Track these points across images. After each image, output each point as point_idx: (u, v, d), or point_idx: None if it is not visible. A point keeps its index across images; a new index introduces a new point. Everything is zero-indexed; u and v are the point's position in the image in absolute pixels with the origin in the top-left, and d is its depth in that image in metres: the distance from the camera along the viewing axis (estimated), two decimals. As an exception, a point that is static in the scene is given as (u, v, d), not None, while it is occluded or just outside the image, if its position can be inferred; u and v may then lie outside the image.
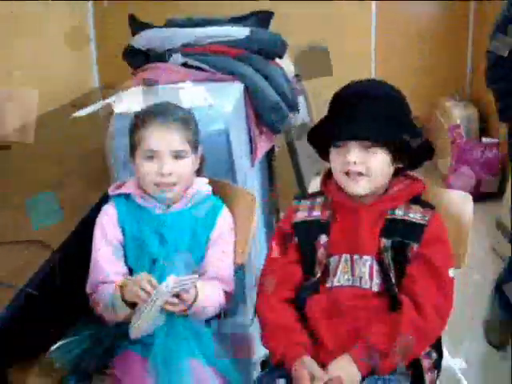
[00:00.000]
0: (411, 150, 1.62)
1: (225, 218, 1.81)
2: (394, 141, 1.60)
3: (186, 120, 1.75)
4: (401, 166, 1.66)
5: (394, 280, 1.58)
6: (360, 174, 1.60)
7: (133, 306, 1.60)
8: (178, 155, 1.72)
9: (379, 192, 1.66)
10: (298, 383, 1.51)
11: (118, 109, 2.10)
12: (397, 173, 1.68)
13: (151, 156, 1.71)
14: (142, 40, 2.72)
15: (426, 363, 1.59)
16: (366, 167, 1.60)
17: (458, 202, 1.75)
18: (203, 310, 1.67)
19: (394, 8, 5.16)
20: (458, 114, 4.83)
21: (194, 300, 1.62)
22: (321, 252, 1.65)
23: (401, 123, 1.61)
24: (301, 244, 1.69)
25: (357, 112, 1.60)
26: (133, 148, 1.75)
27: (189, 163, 1.75)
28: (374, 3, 4.93)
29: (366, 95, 1.61)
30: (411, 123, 1.65)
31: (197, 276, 1.59)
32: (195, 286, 1.60)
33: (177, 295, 1.57)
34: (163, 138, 1.71)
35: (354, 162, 1.59)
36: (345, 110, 1.62)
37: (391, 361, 1.50)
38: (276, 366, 1.59)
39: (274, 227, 2.98)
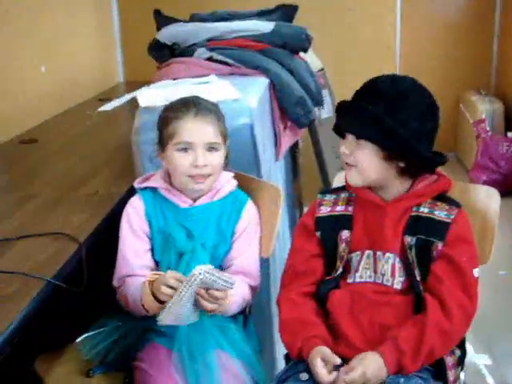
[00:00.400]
0: (409, 154, 1.58)
1: (250, 211, 1.80)
2: (380, 140, 1.56)
3: (217, 112, 1.75)
4: (402, 165, 1.59)
5: (418, 278, 1.57)
6: (350, 164, 1.63)
7: (162, 301, 1.60)
8: (211, 147, 1.72)
9: (396, 188, 1.63)
10: (313, 372, 1.52)
11: (143, 103, 2.10)
12: (407, 171, 1.62)
13: (185, 148, 1.71)
14: (167, 34, 2.74)
15: (449, 361, 1.58)
16: (354, 159, 1.61)
17: (485, 197, 1.73)
18: (230, 308, 1.67)
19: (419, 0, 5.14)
20: (483, 108, 4.79)
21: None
22: (342, 247, 1.65)
23: (402, 126, 1.54)
24: (323, 238, 1.69)
25: (356, 106, 1.60)
26: (163, 141, 1.74)
27: (221, 155, 1.75)
28: (399, -5, 4.92)
29: (373, 91, 1.59)
30: (419, 129, 1.57)
31: (234, 282, 1.57)
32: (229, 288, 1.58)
33: (207, 289, 1.55)
34: (198, 130, 1.70)
35: (344, 153, 1.62)
36: (352, 103, 1.63)
37: (417, 363, 1.51)
38: (299, 360, 1.60)
39: (297, 221, 2.98)
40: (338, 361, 1.51)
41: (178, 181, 1.75)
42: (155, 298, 1.61)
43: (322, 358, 1.52)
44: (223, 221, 1.77)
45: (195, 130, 1.70)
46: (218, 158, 1.73)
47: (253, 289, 1.78)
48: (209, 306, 1.57)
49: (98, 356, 1.72)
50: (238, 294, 1.69)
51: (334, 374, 1.49)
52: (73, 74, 3.79)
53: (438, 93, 1.66)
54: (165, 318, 1.57)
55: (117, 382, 1.73)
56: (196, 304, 1.58)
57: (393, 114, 1.55)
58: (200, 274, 1.49)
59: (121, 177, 2.28)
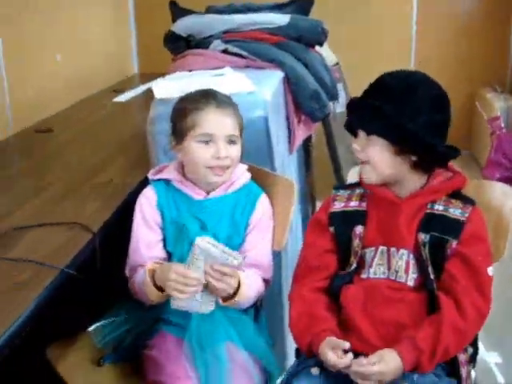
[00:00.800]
0: (419, 148, 1.57)
1: (264, 204, 1.80)
2: (388, 135, 1.56)
3: (234, 105, 1.76)
4: (414, 159, 1.58)
5: (432, 275, 1.56)
6: (363, 161, 1.62)
7: (163, 289, 1.60)
8: (231, 139, 1.72)
9: (413, 184, 1.63)
10: (324, 360, 1.51)
11: (159, 94, 2.11)
12: (420, 165, 1.61)
13: (206, 140, 1.70)
14: (183, 26, 2.74)
15: (462, 358, 1.58)
16: (366, 155, 1.61)
17: (500, 194, 1.72)
18: (246, 301, 1.68)
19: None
20: (498, 106, 4.77)
21: (235, 293, 1.61)
22: (356, 243, 1.65)
23: (411, 120, 1.53)
24: (337, 234, 1.69)
25: (364, 103, 1.60)
26: (181, 132, 1.73)
27: (239, 148, 1.75)
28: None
29: (382, 87, 1.59)
30: (429, 122, 1.56)
31: (240, 259, 1.56)
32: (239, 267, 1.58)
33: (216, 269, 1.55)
34: (219, 122, 1.70)
35: (356, 149, 1.62)
36: (360, 100, 1.63)
37: (433, 362, 1.51)
38: (310, 355, 1.59)
39: (310, 216, 2.98)
40: (347, 344, 1.50)
41: (196, 172, 1.74)
42: (156, 286, 1.62)
43: (331, 347, 1.51)
44: (237, 213, 1.77)
45: (216, 121, 1.70)
46: (236, 150, 1.74)
47: (266, 281, 1.78)
48: (215, 283, 1.55)
49: (109, 345, 1.73)
50: (252, 288, 1.69)
51: (349, 356, 1.48)
52: (88, 65, 3.81)
53: (453, 90, 1.64)
54: (177, 301, 1.58)
55: (127, 371, 1.74)
56: (208, 290, 1.58)
57: (402, 109, 1.54)
58: (200, 243, 1.52)
59: (135, 166, 2.29)
